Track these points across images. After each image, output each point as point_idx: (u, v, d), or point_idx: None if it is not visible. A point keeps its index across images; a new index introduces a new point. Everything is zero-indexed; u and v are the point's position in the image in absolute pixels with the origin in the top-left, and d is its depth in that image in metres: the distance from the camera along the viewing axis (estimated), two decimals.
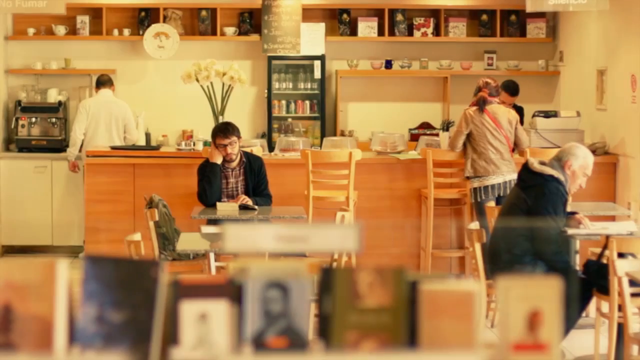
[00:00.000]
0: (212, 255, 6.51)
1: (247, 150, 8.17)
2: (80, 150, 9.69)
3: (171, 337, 1.99)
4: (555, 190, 5.93)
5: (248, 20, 10.64)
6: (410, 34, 10.67)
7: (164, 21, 10.50)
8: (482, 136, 8.22)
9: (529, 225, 5.89)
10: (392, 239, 8.76)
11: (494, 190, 8.15)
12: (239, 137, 7.68)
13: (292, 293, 2.00)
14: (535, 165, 6.03)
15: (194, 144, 9.25)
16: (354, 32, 10.66)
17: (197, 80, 8.87)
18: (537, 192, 5.96)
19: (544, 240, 5.89)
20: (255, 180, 7.66)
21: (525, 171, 6.11)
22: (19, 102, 10.27)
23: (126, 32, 10.51)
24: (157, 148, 9.55)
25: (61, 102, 10.29)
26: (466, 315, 1.97)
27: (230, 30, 10.56)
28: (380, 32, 10.63)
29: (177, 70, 9.65)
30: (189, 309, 2.00)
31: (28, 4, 8.70)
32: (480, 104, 8.27)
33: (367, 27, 10.61)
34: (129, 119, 9.83)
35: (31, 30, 10.46)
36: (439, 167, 8.53)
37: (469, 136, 8.30)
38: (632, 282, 5.28)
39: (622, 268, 5.32)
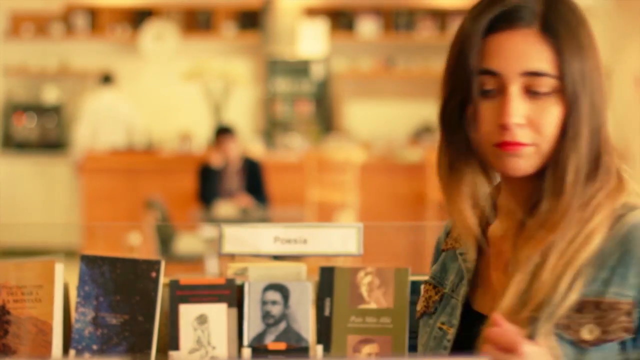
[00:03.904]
0: (211, 257, 6.49)
1: (246, 150, 8.17)
2: None
3: (169, 339, 1.97)
4: None
5: (248, 20, 10.62)
6: (412, 33, 10.66)
7: (163, 21, 10.48)
8: None
9: None
10: (394, 240, 8.74)
11: None
12: (237, 138, 7.69)
13: (292, 295, 1.98)
14: None
15: (192, 145, 9.24)
16: (354, 31, 10.65)
17: (197, 80, 8.86)
18: None
19: None
20: (254, 182, 7.66)
21: None
22: (15, 103, 10.26)
23: (124, 31, 10.49)
24: (155, 149, 9.53)
25: (58, 102, 10.27)
26: None
27: (229, 30, 10.54)
28: (382, 32, 10.62)
29: (176, 71, 9.64)
30: (188, 311, 1.97)
31: (24, 2, 8.70)
32: None
33: (368, 27, 10.60)
34: (131, 119, 9.78)
35: (28, 30, 10.44)
36: None
37: None
38: None
39: None
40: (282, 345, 1.96)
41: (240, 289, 1.97)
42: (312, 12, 10.54)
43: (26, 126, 10.19)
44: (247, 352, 1.95)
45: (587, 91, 1.45)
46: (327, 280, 1.99)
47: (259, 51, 10.54)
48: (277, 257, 2.04)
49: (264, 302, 1.97)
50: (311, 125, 10.60)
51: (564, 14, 1.46)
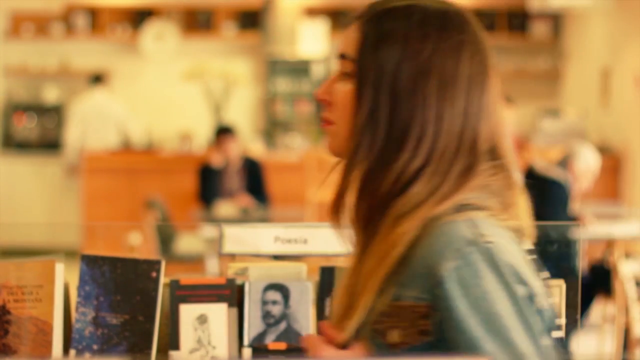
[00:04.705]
0: (211, 257, 6.49)
1: (247, 150, 8.16)
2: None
3: (170, 339, 1.96)
4: (559, 194, 5.89)
5: (248, 20, 10.62)
6: None
7: (163, 21, 10.47)
8: None
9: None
10: None
11: None
12: (237, 138, 7.69)
13: (293, 295, 1.97)
14: (538, 168, 5.98)
15: (192, 145, 9.23)
16: None
17: (197, 80, 8.85)
18: (540, 196, 5.91)
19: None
20: (254, 182, 7.66)
21: (529, 175, 6.06)
22: (15, 103, 10.25)
23: (124, 31, 10.48)
24: (155, 149, 9.53)
25: (58, 102, 10.27)
26: None
27: (229, 30, 10.54)
28: None
29: (176, 71, 9.63)
30: (188, 311, 1.97)
31: (24, 2, 8.69)
32: None
33: None
34: (122, 118, 9.73)
35: (28, 30, 10.44)
36: None
37: None
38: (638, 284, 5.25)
39: (628, 271, 5.28)
40: (282, 345, 1.95)
41: (240, 289, 1.97)
42: (312, 12, 10.53)
43: (26, 126, 10.19)
44: (247, 352, 1.95)
45: (385, 84, 1.46)
46: (327, 280, 1.98)
47: (259, 51, 10.53)
48: (277, 257, 2.03)
49: (264, 302, 1.96)
50: (311, 125, 10.60)
51: (394, 12, 1.50)
